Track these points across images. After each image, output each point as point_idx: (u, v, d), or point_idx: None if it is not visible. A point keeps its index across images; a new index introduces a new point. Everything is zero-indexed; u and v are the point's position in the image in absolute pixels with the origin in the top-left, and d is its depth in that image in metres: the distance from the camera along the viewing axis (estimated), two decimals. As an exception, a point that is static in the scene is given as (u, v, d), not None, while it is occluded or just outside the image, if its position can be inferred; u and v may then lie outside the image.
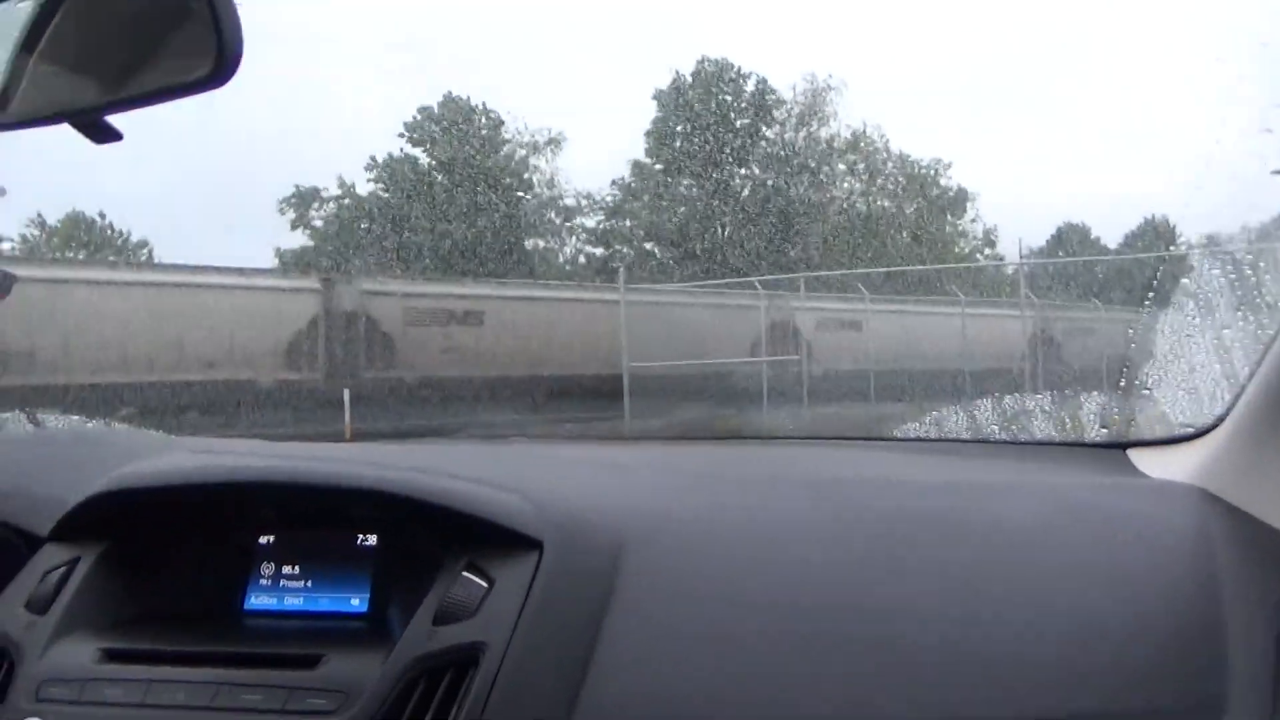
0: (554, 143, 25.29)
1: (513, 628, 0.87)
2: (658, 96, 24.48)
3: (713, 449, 1.60)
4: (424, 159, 24.56)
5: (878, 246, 22.48)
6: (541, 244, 25.23)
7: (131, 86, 0.90)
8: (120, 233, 25.15)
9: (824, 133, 25.45)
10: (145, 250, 23.84)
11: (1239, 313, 1.34)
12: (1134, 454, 1.25)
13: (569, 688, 0.84)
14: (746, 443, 1.73)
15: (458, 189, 22.57)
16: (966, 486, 1.16)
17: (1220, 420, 1.06)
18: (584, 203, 25.61)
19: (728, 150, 23.33)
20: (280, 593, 1.07)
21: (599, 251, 25.35)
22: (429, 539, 1.01)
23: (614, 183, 25.39)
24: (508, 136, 25.35)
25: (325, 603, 1.06)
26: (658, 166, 24.51)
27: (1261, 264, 1.30)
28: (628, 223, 24.95)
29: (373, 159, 24.66)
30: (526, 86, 34.40)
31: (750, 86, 24.81)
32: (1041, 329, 15.15)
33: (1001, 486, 1.16)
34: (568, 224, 25.86)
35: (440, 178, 23.57)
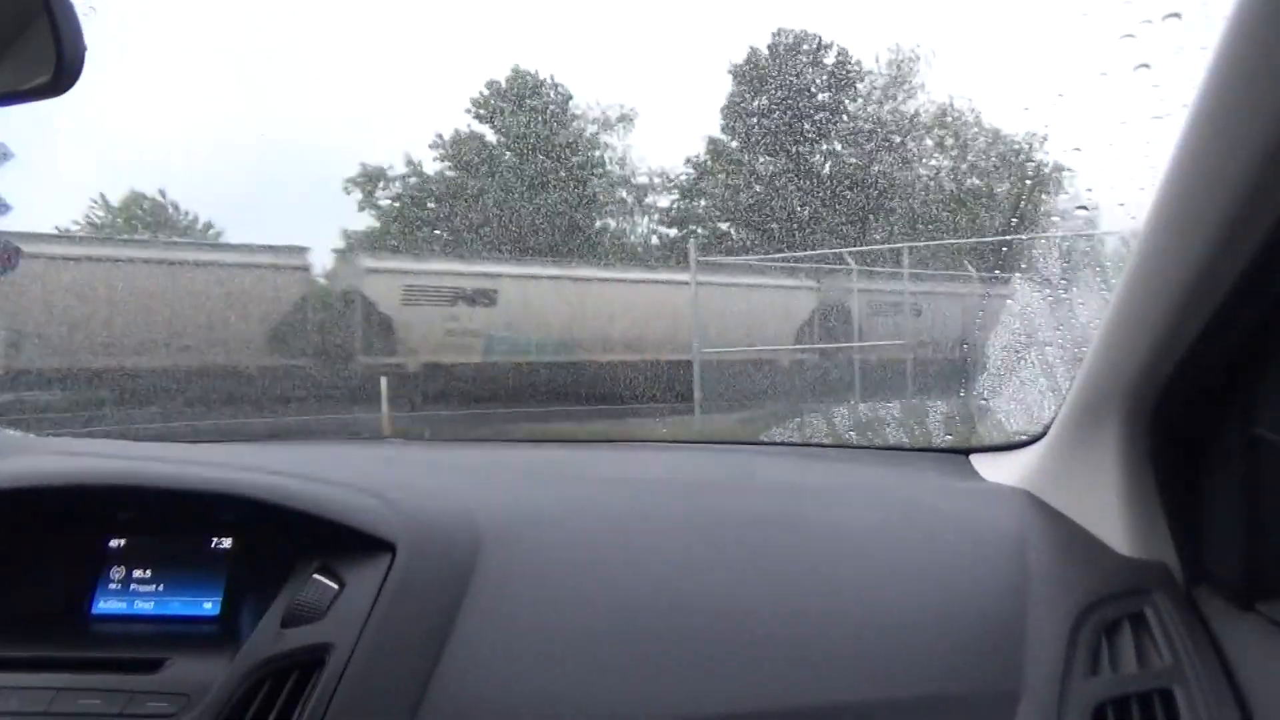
0: (625, 119, 24.13)
1: (360, 629, 0.88)
2: (734, 71, 23.22)
3: (583, 452, 1.64)
4: (491, 136, 23.42)
5: (968, 225, 21.27)
6: (612, 224, 24.11)
7: None
8: (185, 213, 24.97)
9: (910, 106, 24.11)
10: (211, 231, 23.07)
11: (1058, 332, 1.44)
12: (975, 459, 1.38)
13: (415, 688, 0.85)
14: (621, 446, 1.72)
15: (525, 166, 21.47)
16: (819, 490, 1.23)
17: (1047, 429, 1.14)
18: (657, 181, 24.46)
19: (807, 125, 22.35)
20: (130, 596, 1.06)
21: (672, 232, 24.04)
22: (283, 542, 1.00)
23: (688, 160, 24.14)
24: (577, 112, 24.13)
25: (176, 606, 1.05)
26: (734, 143, 23.39)
27: (1075, 287, 1.39)
28: (702, 202, 23.84)
29: (439, 136, 23.41)
30: (597, 60, 32.57)
31: (830, 58, 23.68)
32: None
33: (850, 489, 1.23)
34: (640, 203, 24.62)
35: (508, 155, 22.55)
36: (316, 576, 0.95)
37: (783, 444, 1.54)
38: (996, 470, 1.27)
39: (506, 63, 25.77)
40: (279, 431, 8.32)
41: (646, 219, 24.99)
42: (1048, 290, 1.55)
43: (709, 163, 23.97)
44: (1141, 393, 0.87)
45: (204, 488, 1.06)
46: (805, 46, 23.72)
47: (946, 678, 0.85)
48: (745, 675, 0.86)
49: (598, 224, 22.75)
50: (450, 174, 23.51)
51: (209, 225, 22.38)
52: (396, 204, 23.28)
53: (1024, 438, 1.29)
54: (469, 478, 1.24)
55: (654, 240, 24.48)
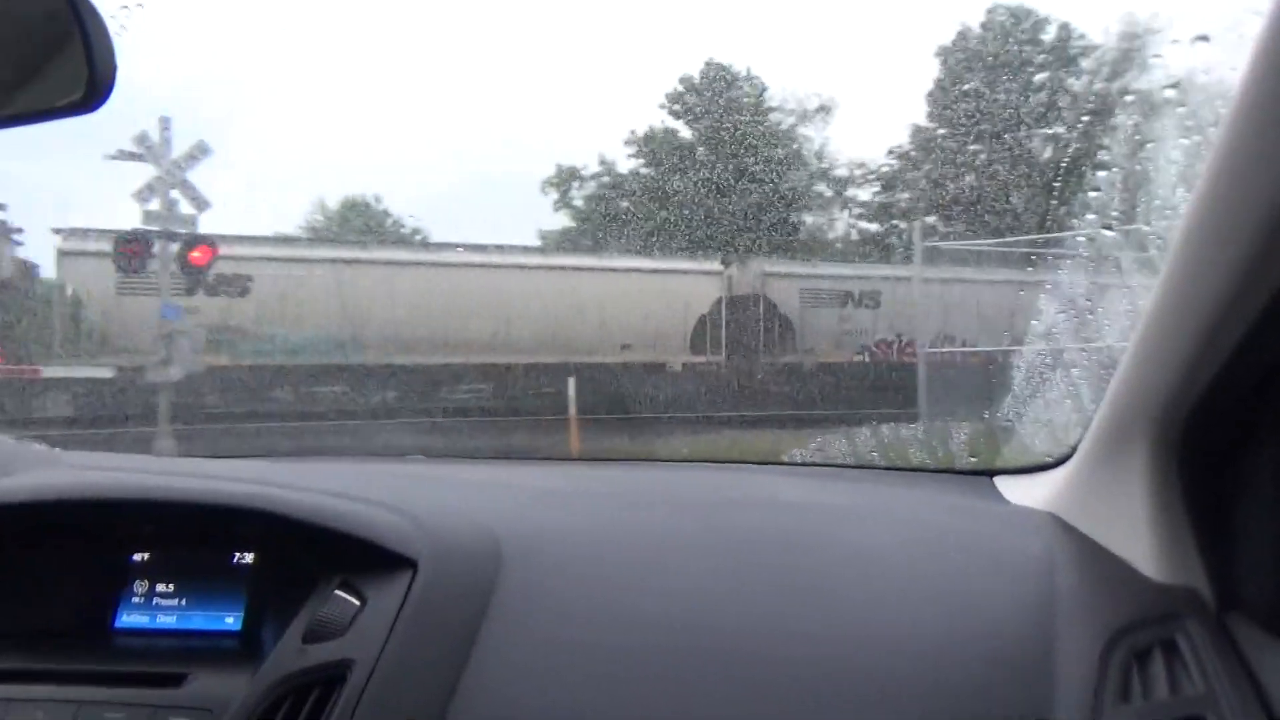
0: (824, 110, 22.97)
1: (382, 646, 0.88)
2: (941, 53, 21.85)
3: (606, 470, 1.64)
4: (685, 131, 22.66)
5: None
6: (809, 219, 22.83)
7: (5, 108, 0.92)
8: (394, 218, 24.16)
9: (1143, 83, 21.81)
10: (418, 236, 22.11)
11: (1084, 353, 1.43)
12: (1000, 481, 1.37)
13: (437, 705, 0.85)
14: (640, 465, 1.73)
15: (720, 162, 20.40)
16: (841, 511, 1.22)
17: (1073, 451, 1.13)
18: (858, 173, 23.04)
19: (1024, 108, 20.16)
20: (153, 610, 1.06)
21: (874, 227, 22.62)
22: (305, 557, 1.01)
23: (891, 151, 22.67)
24: (773, 104, 23.09)
25: (199, 620, 1.05)
26: (941, 131, 21.54)
27: (1101, 308, 1.38)
28: (906, 195, 22.28)
29: (632, 133, 22.89)
30: (795, 50, 32.71)
31: (1050, 34, 21.79)
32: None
33: (873, 511, 1.22)
34: (840, 196, 23.33)
35: (702, 150, 21.61)
36: (338, 592, 0.95)
37: (805, 464, 1.54)
38: (1021, 493, 1.25)
39: (700, 56, 25.39)
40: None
41: (846, 213, 23.65)
42: (1074, 310, 1.54)
43: (913, 152, 22.31)
44: (1170, 414, 0.85)
45: (226, 502, 1.07)
46: (1023, 23, 21.92)
47: (974, 705, 0.83)
48: (766, 698, 0.85)
49: (794, 219, 21.33)
50: (644, 171, 22.90)
51: (416, 230, 22.37)
52: (594, 204, 22.91)
53: (1049, 460, 1.28)
54: (491, 495, 1.25)
55: (854, 235, 23.16)
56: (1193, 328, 0.74)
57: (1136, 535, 0.94)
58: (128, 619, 1.06)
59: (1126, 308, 1.20)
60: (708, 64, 23.00)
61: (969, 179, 20.26)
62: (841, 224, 23.73)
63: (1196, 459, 0.88)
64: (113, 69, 0.87)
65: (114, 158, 9.64)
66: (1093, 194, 1.59)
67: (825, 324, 13.85)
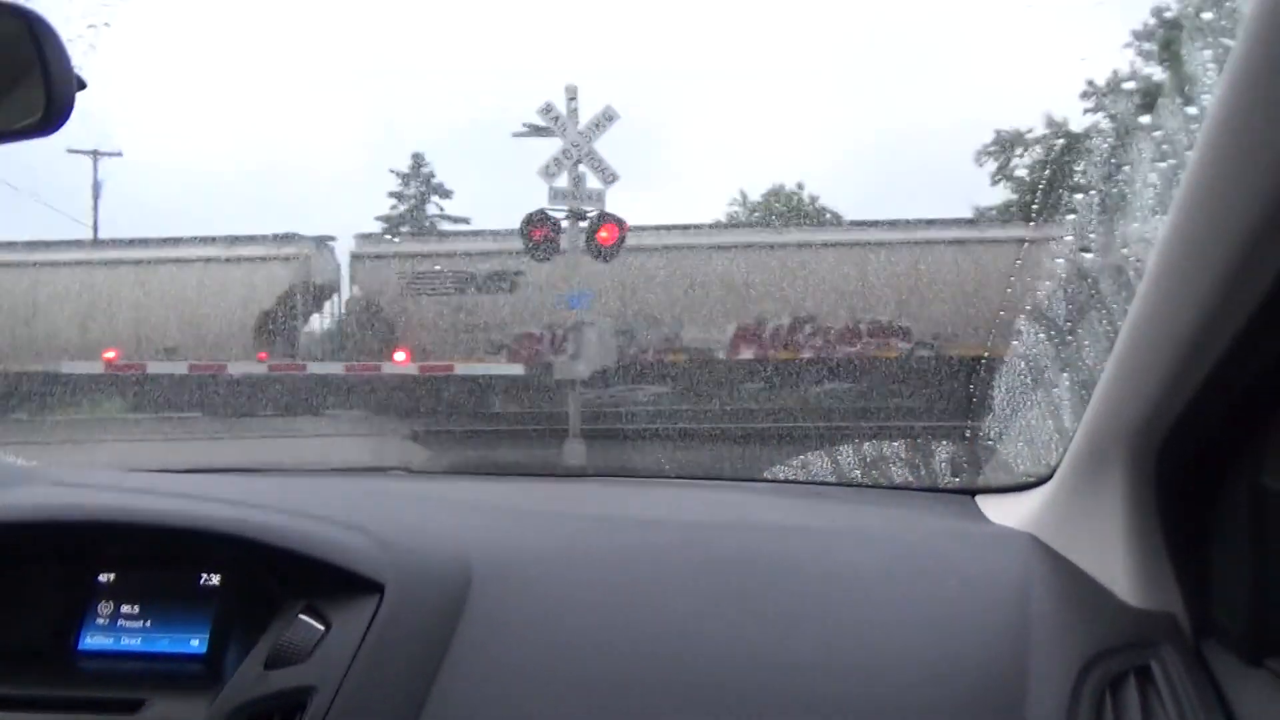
0: None
1: (345, 672, 0.86)
2: None
3: (578, 486, 1.63)
4: (1160, 74, 19.97)
5: None
6: None
7: None
8: (812, 200, 23.28)
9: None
10: (827, 217, 21.04)
11: (1065, 373, 1.44)
12: (981, 500, 1.36)
13: None
14: (612, 481, 1.71)
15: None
16: (819, 532, 1.21)
17: (1054, 471, 1.13)
18: None
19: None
20: (117, 633, 1.04)
21: None
22: (271, 580, 1.00)
23: None
24: None
25: (164, 643, 1.03)
26: None
27: (1080, 329, 1.39)
28: None
29: (1090, 84, 19.09)
30: None
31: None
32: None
33: (852, 532, 1.21)
34: None
35: (1178, 99, 19.25)
36: (302, 617, 0.93)
37: (786, 481, 1.53)
38: (1002, 512, 1.25)
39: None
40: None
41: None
42: (1053, 331, 1.56)
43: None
44: (1146, 439, 0.85)
45: (192, 525, 1.05)
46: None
47: None
48: None
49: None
50: (1105, 126, 21.00)
51: (837, 215, 21.32)
52: (1039, 171, 18.83)
53: (1031, 479, 1.27)
54: (462, 513, 1.23)
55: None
56: (1168, 350, 0.74)
57: (1113, 558, 0.93)
58: (91, 641, 1.04)
59: (1105, 329, 1.21)
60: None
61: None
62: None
63: (1174, 482, 0.88)
64: (71, 92, 0.87)
65: (519, 135, 9.12)
66: (1070, 216, 1.61)
67: (434, 317, 11.88)
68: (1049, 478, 1.15)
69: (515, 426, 9.77)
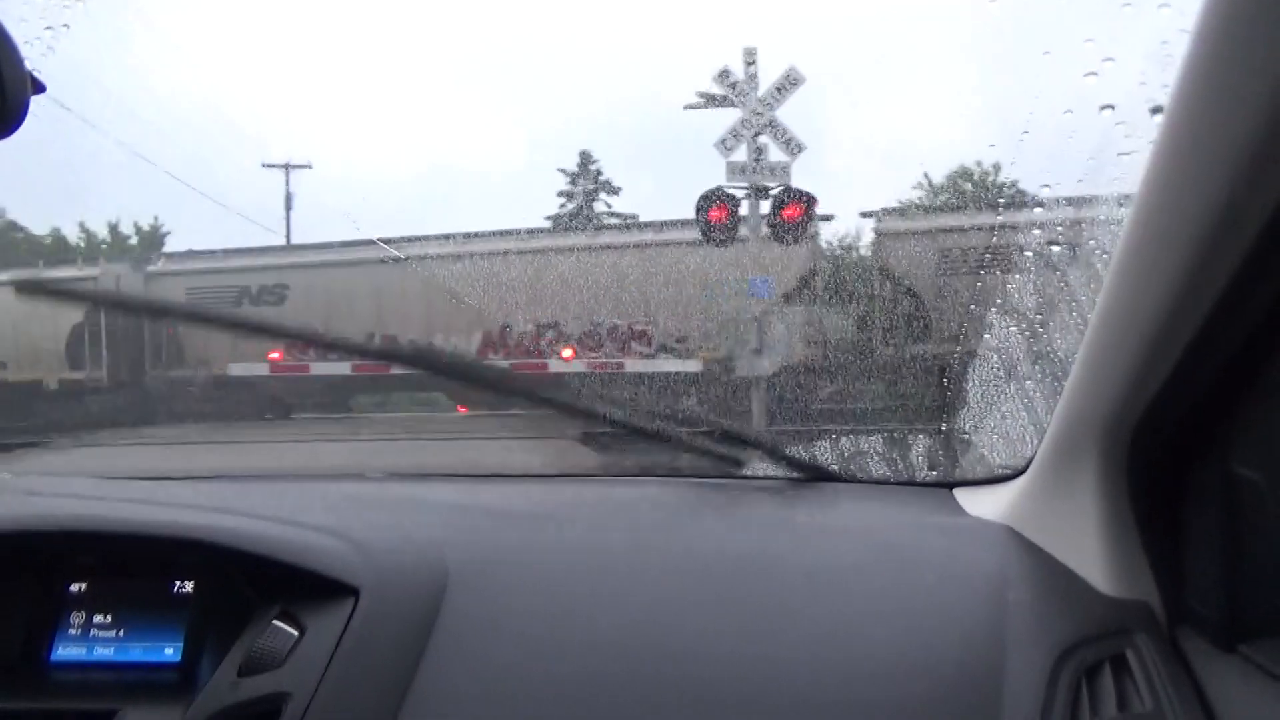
0: None
1: (320, 677, 0.86)
2: None
3: (557, 487, 1.62)
4: None
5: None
6: None
7: None
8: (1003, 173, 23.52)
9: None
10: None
11: (1037, 366, 1.45)
12: (959, 493, 1.38)
13: None
14: (583, 480, 1.70)
15: None
16: (798, 526, 1.21)
17: (1029, 463, 1.14)
18: None
19: None
20: (90, 643, 1.03)
21: None
22: (245, 586, 0.99)
23: None
24: None
25: (137, 652, 1.02)
26: None
27: (1051, 322, 1.40)
28: None
29: None
30: None
31: None
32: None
33: (830, 526, 1.22)
34: None
35: None
36: (276, 623, 0.93)
37: (765, 477, 1.53)
38: (980, 505, 1.26)
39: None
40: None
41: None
42: (1024, 324, 1.57)
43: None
44: (1118, 428, 0.86)
45: (164, 533, 1.04)
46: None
47: None
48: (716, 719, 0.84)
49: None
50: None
51: (1022, 192, 20.75)
52: None
53: (1008, 471, 1.29)
54: (438, 516, 1.22)
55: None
56: (1136, 340, 0.75)
57: (1088, 548, 0.94)
58: (64, 652, 1.03)
59: (1075, 321, 1.22)
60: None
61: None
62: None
63: (1147, 471, 0.89)
64: (26, 95, 0.86)
65: (692, 106, 7.79)
66: (1037, 210, 1.63)
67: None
68: (1025, 470, 1.16)
69: (694, 429, 9.03)
